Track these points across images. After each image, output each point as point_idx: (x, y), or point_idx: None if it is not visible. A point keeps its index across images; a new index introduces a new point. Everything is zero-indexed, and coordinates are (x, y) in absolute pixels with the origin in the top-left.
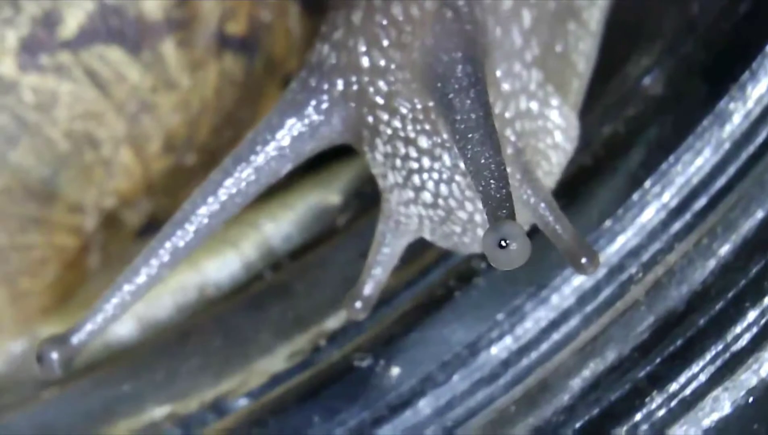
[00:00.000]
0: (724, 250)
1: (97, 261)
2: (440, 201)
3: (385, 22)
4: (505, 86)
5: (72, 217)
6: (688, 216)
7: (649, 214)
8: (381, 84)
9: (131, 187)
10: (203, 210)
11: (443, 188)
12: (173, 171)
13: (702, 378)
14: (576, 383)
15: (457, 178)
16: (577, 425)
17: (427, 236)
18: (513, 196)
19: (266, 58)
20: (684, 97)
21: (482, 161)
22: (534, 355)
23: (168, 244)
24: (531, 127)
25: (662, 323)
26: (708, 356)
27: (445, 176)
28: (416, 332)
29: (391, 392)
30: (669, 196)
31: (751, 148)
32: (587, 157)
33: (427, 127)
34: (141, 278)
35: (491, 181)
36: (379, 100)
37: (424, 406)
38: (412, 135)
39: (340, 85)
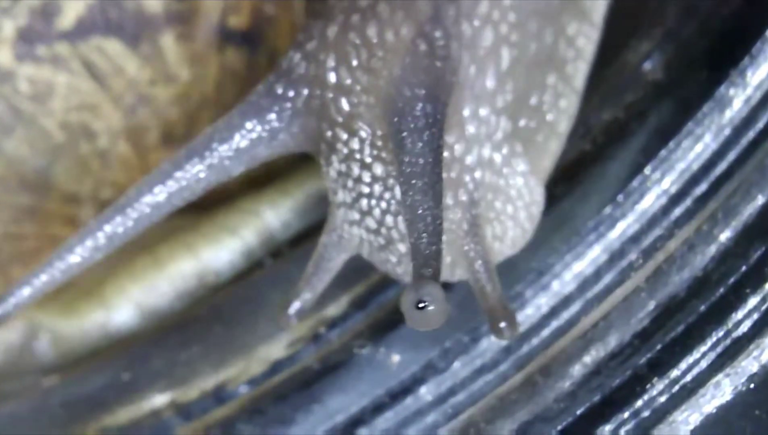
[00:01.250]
0: (725, 236)
1: None
2: (383, 230)
3: (358, 42)
4: (470, 129)
5: (67, 208)
6: (688, 202)
7: (650, 201)
8: (343, 103)
9: (128, 178)
10: (148, 199)
11: (389, 219)
12: None
13: (703, 364)
14: (577, 370)
15: None
16: (579, 411)
17: (365, 256)
18: (455, 245)
19: (270, 52)
20: (684, 83)
21: (419, 211)
22: (535, 341)
23: (107, 228)
24: (491, 181)
25: (663, 309)
26: (709, 342)
27: (392, 208)
28: None
29: (392, 379)
30: (669, 182)
31: (751, 134)
32: (587, 143)
33: (384, 155)
34: (74, 258)
35: (424, 234)
36: (339, 119)
37: (425, 393)
38: (368, 160)
39: (304, 95)
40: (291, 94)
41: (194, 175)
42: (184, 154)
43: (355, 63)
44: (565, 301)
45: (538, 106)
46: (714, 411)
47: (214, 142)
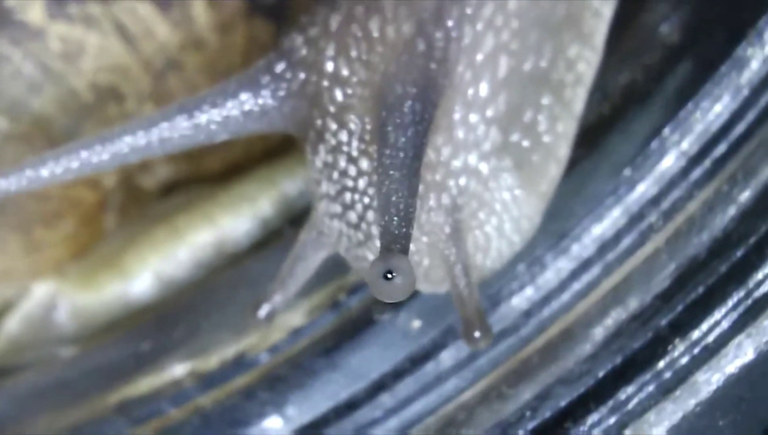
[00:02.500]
0: (744, 196)
1: (114, 221)
2: (363, 225)
3: (359, 35)
4: (459, 134)
5: None
6: (707, 163)
7: (669, 162)
8: (338, 93)
9: None
10: (128, 139)
11: (370, 214)
12: None
13: (724, 325)
14: (598, 332)
15: None
16: (600, 374)
17: (342, 253)
18: (435, 248)
19: None
20: (701, 44)
21: (393, 199)
22: (555, 305)
23: (83, 154)
24: (476, 190)
25: (683, 271)
26: (730, 303)
27: (375, 204)
28: None
29: (413, 344)
30: (688, 144)
31: None
32: (605, 106)
33: (371, 150)
34: (45, 172)
35: (395, 217)
36: (332, 109)
37: (447, 358)
38: (355, 153)
39: (301, 79)
40: (288, 75)
41: (179, 130)
42: (175, 108)
43: (354, 55)
44: (585, 264)
45: (533, 124)
46: (736, 371)
47: (206, 105)
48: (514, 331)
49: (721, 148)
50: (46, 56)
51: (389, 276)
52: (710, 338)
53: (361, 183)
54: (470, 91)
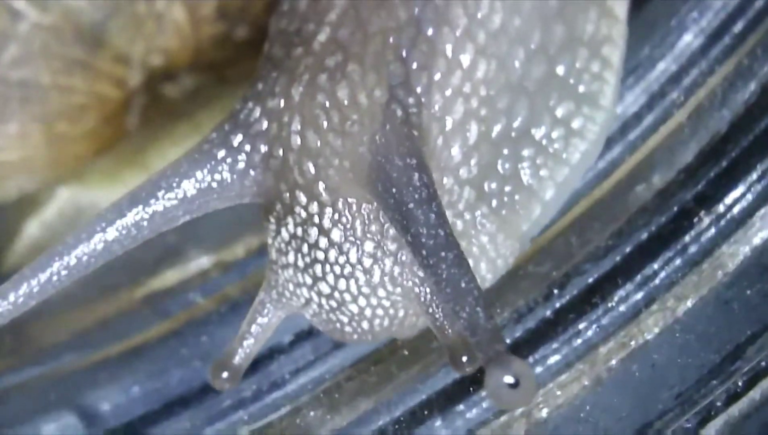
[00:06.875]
0: (765, 70)
1: (135, 122)
2: (336, 294)
3: (327, 104)
4: None
5: (117, 68)
6: (726, 39)
7: (688, 39)
8: (309, 166)
9: (179, 47)
10: (84, 248)
11: (341, 282)
12: (222, 41)
13: (749, 197)
14: (623, 209)
15: (357, 274)
16: (627, 250)
17: (307, 317)
18: (408, 296)
19: None
20: None
21: (462, 285)
22: (579, 183)
23: (41, 276)
24: None
25: (706, 145)
26: (754, 175)
27: (346, 272)
28: None
29: None
30: (707, 21)
31: None
32: None
33: (344, 220)
34: (6, 305)
35: (477, 309)
36: (301, 181)
37: None
38: (327, 225)
39: (263, 152)
40: (247, 148)
41: (136, 223)
42: (127, 200)
43: (325, 125)
44: (608, 143)
45: (513, 174)
46: (761, 242)
47: (161, 190)
48: None
49: (739, 25)
50: None
51: (513, 383)
52: (735, 210)
53: (332, 254)
54: (444, 155)
